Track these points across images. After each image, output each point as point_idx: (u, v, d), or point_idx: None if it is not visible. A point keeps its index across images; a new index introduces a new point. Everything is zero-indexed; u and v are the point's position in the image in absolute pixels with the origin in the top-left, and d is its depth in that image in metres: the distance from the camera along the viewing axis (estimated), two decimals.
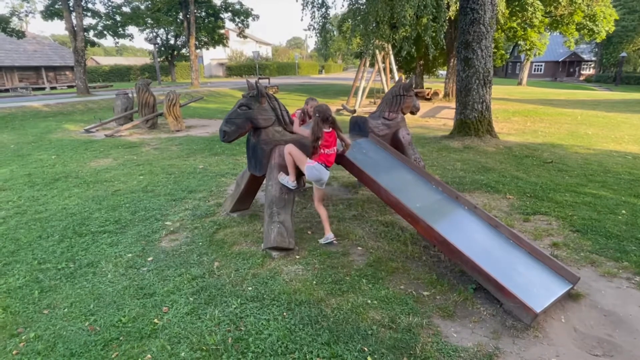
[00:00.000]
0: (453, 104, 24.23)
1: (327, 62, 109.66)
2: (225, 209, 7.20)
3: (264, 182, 6.69)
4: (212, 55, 71.87)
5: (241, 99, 6.10)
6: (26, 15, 33.96)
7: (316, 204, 6.22)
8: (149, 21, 37.08)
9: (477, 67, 12.65)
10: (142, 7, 37.05)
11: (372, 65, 27.53)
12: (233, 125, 5.89)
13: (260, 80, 39.46)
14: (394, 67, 25.26)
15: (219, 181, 9.07)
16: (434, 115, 20.60)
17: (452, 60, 26.93)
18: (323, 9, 19.58)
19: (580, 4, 26.58)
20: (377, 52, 23.22)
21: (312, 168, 5.92)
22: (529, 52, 33.39)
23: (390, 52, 24.84)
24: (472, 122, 13.03)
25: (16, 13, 30.03)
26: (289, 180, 6.10)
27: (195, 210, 7.41)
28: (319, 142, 5.84)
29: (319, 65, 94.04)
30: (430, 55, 20.53)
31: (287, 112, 6.31)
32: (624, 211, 7.24)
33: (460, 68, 12.95)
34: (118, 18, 32.57)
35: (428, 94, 28.46)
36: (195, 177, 9.38)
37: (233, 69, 69.75)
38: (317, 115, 5.88)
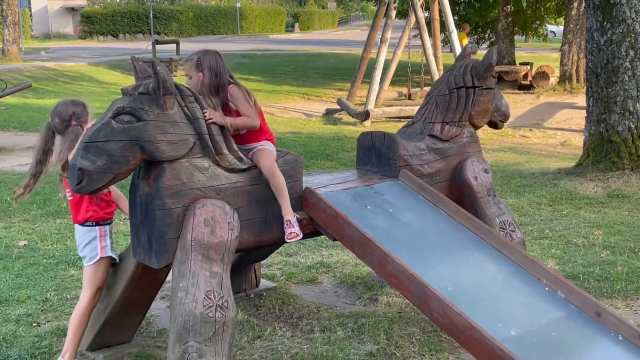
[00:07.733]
0: (580, 99, 14.05)
1: (305, 6, 61.77)
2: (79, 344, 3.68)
3: (170, 281, 3.21)
4: None
5: (119, 98, 2.96)
6: None
7: None
8: None
9: (630, 22, 7.24)
10: None
11: (402, 14, 16.81)
12: (100, 156, 2.80)
13: (160, 46, 22.35)
14: (450, 20, 14.02)
15: (62, 277, 4.71)
16: (541, 124, 13.06)
17: (574, 4, 16.05)
18: None
19: None
20: None
21: None
22: None
23: None
24: (624, 139, 7.51)
25: None
26: None
27: (5, 347, 3.61)
28: None
29: (286, 13, 55.35)
30: None
31: (222, 126, 3.09)
32: None
33: (594, 23, 7.50)
34: None
35: (525, 77, 17.66)
36: (10, 268, 4.88)
37: (97, 21, 40.65)
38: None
